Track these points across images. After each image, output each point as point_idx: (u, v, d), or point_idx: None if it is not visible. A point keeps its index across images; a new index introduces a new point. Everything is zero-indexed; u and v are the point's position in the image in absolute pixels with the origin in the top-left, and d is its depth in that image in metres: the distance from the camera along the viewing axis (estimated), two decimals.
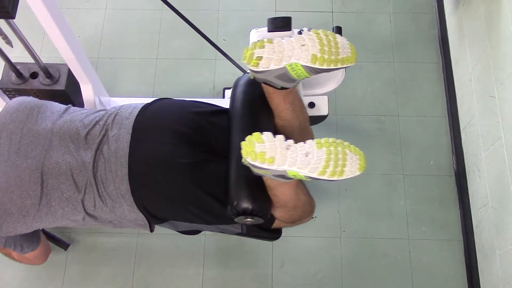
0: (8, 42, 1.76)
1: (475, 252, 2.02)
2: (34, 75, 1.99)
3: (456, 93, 2.26)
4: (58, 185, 1.40)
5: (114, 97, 2.18)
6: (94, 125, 1.49)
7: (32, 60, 1.89)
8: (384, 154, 2.26)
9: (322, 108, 1.83)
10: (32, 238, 1.64)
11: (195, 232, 1.65)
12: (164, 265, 2.09)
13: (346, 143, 1.27)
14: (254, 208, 1.36)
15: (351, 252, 2.10)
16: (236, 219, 1.40)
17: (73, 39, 1.69)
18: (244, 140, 1.27)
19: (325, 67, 1.31)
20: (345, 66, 1.33)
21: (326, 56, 1.31)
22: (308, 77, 1.36)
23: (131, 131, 1.46)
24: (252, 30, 1.63)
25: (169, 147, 1.45)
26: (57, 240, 2.04)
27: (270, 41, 1.32)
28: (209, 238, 2.12)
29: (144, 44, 2.50)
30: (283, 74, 1.35)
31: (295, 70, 1.33)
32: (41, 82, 1.98)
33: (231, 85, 2.27)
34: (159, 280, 2.07)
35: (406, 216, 2.15)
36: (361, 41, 2.47)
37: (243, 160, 1.28)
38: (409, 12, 2.54)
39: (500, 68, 1.80)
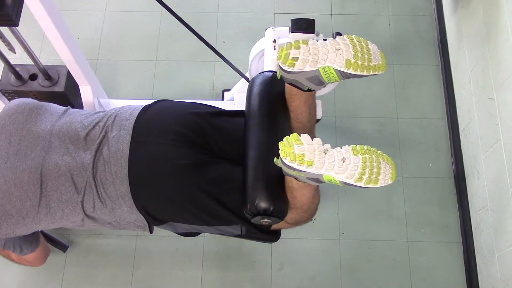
0: (11, 49, 1.79)
1: (474, 254, 2.02)
2: (33, 77, 1.99)
3: (455, 95, 2.26)
4: (57, 187, 1.40)
5: (113, 99, 2.18)
6: (94, 126, 1.49)
7: (31, 62, 1.89)
8: None
9: (316, 111, 1.84)
10: (31, 239, 1.64)
11: (194, 234, 1.65)
12: (163, 267, 2.08)
13: (379, 151, 1.28)
14: (274, 209, 1.35)
15: (350, 254, 2.10)
16: (253, 220, 1.39)
17: (72, 41, 1.69)
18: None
19: (358, 73, 1.32)
20: (375, 73, 1.34)
21: (359, 62, 1.32)
22: (337, 82, 1.38)
23: (131, 132, 1.46)
24: (268, 29, 1.62)
25: (169, 148, 1.45)
26: (56, 242, 2.04)
27: (305, 42, 1.33)
28: (208, 240, 2.12)
29: (143, 46, 2.50)
30: (315, 77, 1.36)
31: (327, 73, 1.34)
32: (40, 84, 1.98)
33: (231, 87, 2.29)
34: (158, 282, 2.06)
35: (405, 218, 2.15)
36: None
37: (275, 160, 1.29)
38: (408, 15, 2.54)
39: (498, 70, 1.81)
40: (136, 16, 2.56)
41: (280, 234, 1.59)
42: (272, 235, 1.58)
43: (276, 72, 1.51)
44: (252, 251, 2.11)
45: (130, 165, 1.42)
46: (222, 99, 2.33)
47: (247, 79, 1.91)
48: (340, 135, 2.29)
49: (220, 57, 1.88)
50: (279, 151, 1.25)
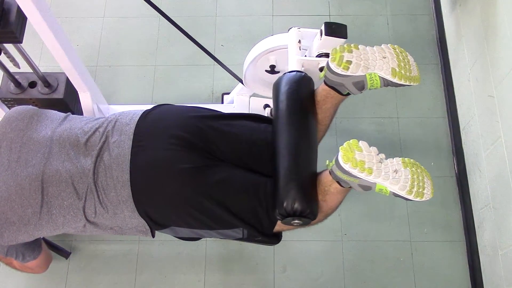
0: (16, 64, 1.86)
1: (478, 252, 2.01)
2: (32, 85, 2.00)
3: (455, 93, 2.26)
4: (58, 193, 1.40)
5: (113, 105, 2.18)
6: (94, 132, 1.49)
7: (30, 70, 1.89)
8: None
9: None
10: (34, 246, 1.64)
11: (195, 238, 1.64)
12: (166, 272, 2.08)
13: (422, 166, 1.33)
14: (310, 211, 1.35)
15: (353, 255, 2.10)
16: (283, 221, 1.39)
17: (70, 49, 1.70)
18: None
19: (400, 82, 1.37)
20: (411, 84, 1.40)
21: (402, 72, 1.38)
22: (377, 88, 1.42)
23: (132, 137, 1.46)
24: (293, 29, 1.62)
25: (170, 153, 1.45)
26: (58, 249, 2.04)
27: (357, 47, 1.38)
28: (210, 244, 2.11)
29: (142, 51, 2.51)
30: (360, 82, 1.39)
31: (372, 80, 1.38)
32: (39, 91, 1.98)
33: (230, 90, 2.29)
34: (161, 287, 2.06)
35: (407, 218, 2.15)
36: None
37: (328, 163, 1.32)
38: (407, 14, 2.54)
39: (498, 67, 1.80)
40: (134, 22, 2.57)
41: (282, 236, 1.59)
42: (273, 238, 1.58)
43: (301, 72, 1.51)
44: (254, 254, 2.10)
45: (132, 170, 1.42)
46: (222, 102, 2.33)
47: (242, 82, 1.91)
48: (340, 136, 2.28)
49: (215, 60, 1.88)
50: (340, 156, 1.27)
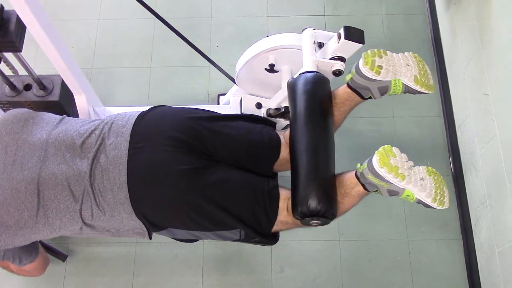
0: (15, 72, 1.89)
1: (475, 250, 2.02)
2: (27, 87, 1.99)
3: (451, 92, 2.26)
4: (54, 196, 1.40)
5: (109, 107, 2.18)
6: (90, 134, 1.49)
7: (25, 72, 1.89)
8: None
9: None
10: (31, 250, 1.64)
11: (192, 240, 1.64)
12: (163, 273, 2.08)
13: (441, 176, 1.41)
14: (332, 211, 1.37)
15: (350, 255, 2.10)
16: (302, 221, 1.40)
17: (65, 51, 1.69)
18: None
19: (420, 89, 1.44)
20: (428, 92, 1.46)
21: (423, 80, 1.43)
22: (396, 94, 1.48)
23: (129, 139, 1.46)
24: (308, 29, 1.62)
25: (168, 154, 1.45)
26: (55, 252, 2.03)
27: (386, 53, 1.43)
28: (207, 245, 2.11)
29: (138, 53, 2.50)
30: (384, 87, 1.44)
31: (396, 85, 1.43)
32: (35, 93, 1.97)
33: (226, 91, 2.29)
34: None
35: (404, 217, 2.15)
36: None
37: (358, 166, 1.36)
38: (402, 14, 2.54)
39: (492, 65, 1.81)
40: (130, 24, 2.57)
41: (279, 237, 1.59)
42: (271, 238, 1.58)
43: (319, 72, 1.52)
44: (252, 255, 2.10)
45: (129, 172, 1.42)
46: (218, 103, 2.33)
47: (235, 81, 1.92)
48: (337, 135, 2.25)
49: (209, 61, 1.89)
50: (376, 160, 1.31)
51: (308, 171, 1.39)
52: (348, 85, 1.50)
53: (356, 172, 1.41)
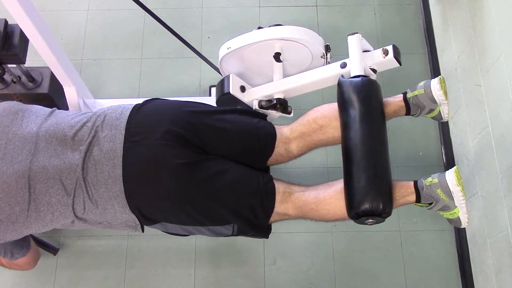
0: (17, 80, 1.93)
1: (467, 241, 2.03)
2: (16, 80, 1.96)
3: None
4: (46, 190, 1.39)
5: (99, 99, 2.16)
6: (82, 126, 1.48)
7: (14, 64, 1.86)
8: None
9: None
10: (22, 244, 1.63)
11: (185, 234, 1.64)
12: (156, 266, 2.07)
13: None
14: (389, 211, 1.42)
15: (343, 246, 2.10)
16: (357, 220, 1.42)
17: (53, 42, 1.67)
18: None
19: (445, 117, 1.59)
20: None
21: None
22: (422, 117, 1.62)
23: (124, 132, 1.45)
24: (358, 35, 1.68)
25: (164, 148, 1.44)
26: (46, 245, 2.02)
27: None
28: (200, 238, 2.09)
29: (128, 44, 2.48)
30: (432, 109, 1.56)
31: (437, 110, 1.56)
32: (23, 86, 1.95)
33: (217, 82, 2.27)
34: (151, 281, 2.06)
35: (396, 208, 2.14)
36: (346, 34, 2.46)
37: (431, 180, 1.44)
38: (393, 4, 2.53)
39: (484, 56, 1.81)
40: (120, 15, 2.54)
41: (271, 229, 1.59)
42: (265, 232, 1.58)
43: (367, 76, 1.58)
44: (244, 247, 2.10)
45: (124, 165, 1.41)
46: (210, 95, 2.32)
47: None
48: None
49: (196, 53, 1.86)
50: (453, 178, 1.41)
51: (374, 173, 1.42)
52: (405, 99, 1.57)
53: (416, 183, 1.46)
